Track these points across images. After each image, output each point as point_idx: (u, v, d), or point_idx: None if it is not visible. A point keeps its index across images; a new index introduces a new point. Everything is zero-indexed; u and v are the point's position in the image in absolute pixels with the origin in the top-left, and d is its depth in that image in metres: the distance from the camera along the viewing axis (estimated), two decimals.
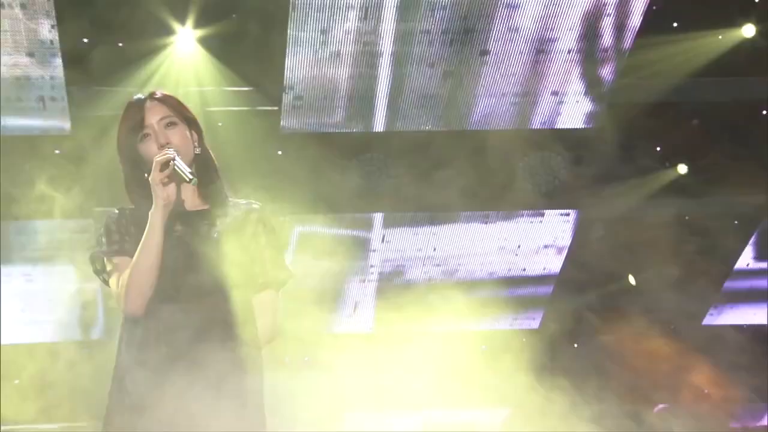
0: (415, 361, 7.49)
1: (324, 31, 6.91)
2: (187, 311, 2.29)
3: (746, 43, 6.82)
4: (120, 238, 2.36)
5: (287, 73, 7.09)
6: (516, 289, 8.90)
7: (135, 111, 2.42)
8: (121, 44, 6.76)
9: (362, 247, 8.64)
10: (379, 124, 7.67)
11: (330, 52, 7.06)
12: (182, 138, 2.41)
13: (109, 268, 2.37)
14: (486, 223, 8.39)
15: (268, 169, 7.04)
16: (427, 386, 7.44)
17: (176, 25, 6.66)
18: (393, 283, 8.94)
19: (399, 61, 7.14)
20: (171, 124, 2.40)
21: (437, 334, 8.31)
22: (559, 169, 7.41)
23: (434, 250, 8.62)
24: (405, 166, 7.60)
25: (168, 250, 2.29)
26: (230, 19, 6.72)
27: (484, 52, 7.10)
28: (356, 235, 8.48)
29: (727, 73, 7.05)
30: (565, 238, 8.47)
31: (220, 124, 7.08)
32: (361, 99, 7.45)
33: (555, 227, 8.41)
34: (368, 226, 8.53)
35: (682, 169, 7.51)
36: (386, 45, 7.01)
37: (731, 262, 8.27)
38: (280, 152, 7.38)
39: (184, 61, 6.91)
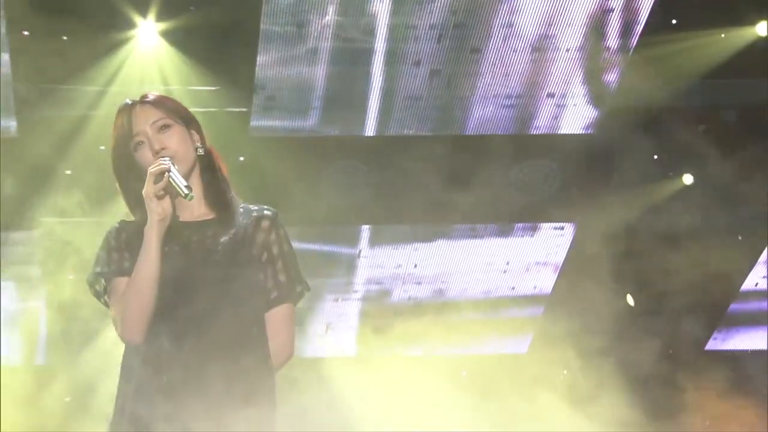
0: (390, 388, 7.33)
1: (300, 25, 6.75)
2: (191, 335, 2.22)
3: (761, 42, 6.72)
4: (119, 256, 2.30)
5: (258, 71, 6.94)
6: (503, 310, 8.72)
7: (123, 117, 2.34)
8: (77, 39, 6.56)
9: (337, 262, 8.43)
10: (358, 129, 7.50)
11: (306, 49, 6.88)
12: (180, 140, 2.33)
13: (108, 289, 2.30)
14: (472, 237, 8.21)
15: (234, 175, 6.79)
16: (402, 413, 7.29)
17: (137, 18, 6.51)
18: (369, 302, 8.73)
19: (383, 59, 6.93)
20: (165, 126, 2.31)
21: (415, 359, 8.15)
22: (554, 179, 7.29)
23: (415, 266, 8.39)
24: (386, 174, 7.35)
25: (168, 268, 2.22)
26: (196, 10, 6.56)
27: (475, 50, 6.88)
28: (331, 249, 8.28)
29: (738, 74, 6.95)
30: (559, 254, 8.22)
31: None
32: (340, 101, 7.28)
33: (548, 242, 8.18)
34: (344, 239, 8.34)
35: (687, 179, 7.45)
36: (369, 41, 6.79)
37: (739, 281, 8.21)
38: (242, 158, 7.16)
39: (145, 57, 6.76)
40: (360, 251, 8.36)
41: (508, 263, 8.35)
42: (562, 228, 8.06)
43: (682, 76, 6.92)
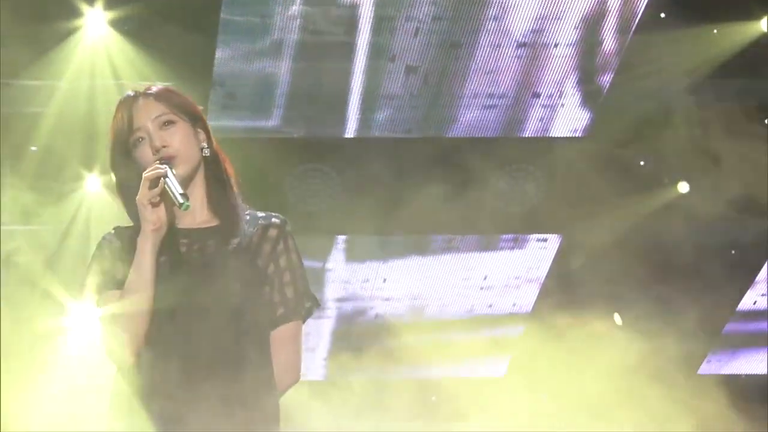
0: (354, 414, 7.21)
1: (264, 16, 6.62)
2: (187, 354, 2.15)
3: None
4: (112, 266, 2.24)
5: (217, 66, 6.81)
6: (480, 329, 8.50)
7: (123, 110, 2.26)
8: (17, 29, 6.35)
9: None
10: (326, 130, 7.38)
11: (270, 42, 6.77)
12: (184, 138, 2.25)
13: (99, 305, 2.24)
14: (448, 249, 8.01)
15: None
16: None
17: (84, 6, 6.38)
18: (333, 321, 8.52)
19: (356, 54, 6.78)
20: (168, 122, 2.24)
21: (382, 382, 7.99)
22: (538, 186, 7.16)
23: (384, 281, 8.18)
24: (354, 179, 7.23)
25: (163, 280, 2.16)
26: None
27: (456, 45, 6.70)
28: None
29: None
30: (541, 269, 7.98)
31: None
32: (306, 99, 7.14)
33: (530, 255, 7.94)
34: (308, 250, 7.99)
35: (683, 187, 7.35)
36: (340, 35, 6.63)
37: (735, 299, 8.11)
38: None
39: (94, 48, 6.63)
40: (325, 264, 8.16)
41: (485, 278, 8.20)
42: (546, 240, 7.92)
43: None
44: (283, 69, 6.94)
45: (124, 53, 6.66)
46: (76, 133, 6.78)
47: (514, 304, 8.32)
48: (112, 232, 2.33)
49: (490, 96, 7.09)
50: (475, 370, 8.63)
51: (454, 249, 8.03)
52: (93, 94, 6.69)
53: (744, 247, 7.67)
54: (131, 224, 2.31)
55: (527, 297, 8.21)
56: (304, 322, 2.36)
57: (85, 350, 7.33)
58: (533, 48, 6.87)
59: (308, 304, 2.34)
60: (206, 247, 2.26)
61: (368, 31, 6.72)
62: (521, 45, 6.81)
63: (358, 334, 8.30)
